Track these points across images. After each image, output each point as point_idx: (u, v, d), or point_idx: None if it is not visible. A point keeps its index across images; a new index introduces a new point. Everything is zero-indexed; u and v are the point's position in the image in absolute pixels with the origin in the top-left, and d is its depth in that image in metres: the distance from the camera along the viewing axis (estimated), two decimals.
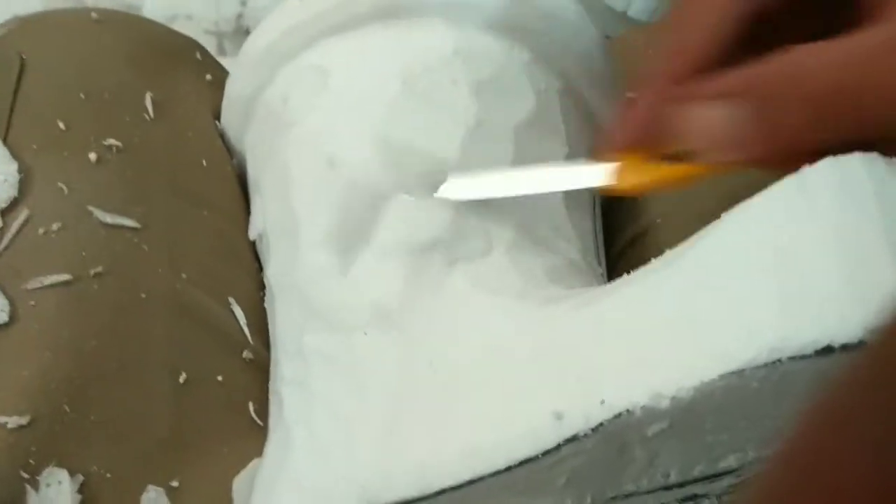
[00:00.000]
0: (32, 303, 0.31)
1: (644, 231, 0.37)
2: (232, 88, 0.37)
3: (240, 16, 0.61)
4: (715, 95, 0.25)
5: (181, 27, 0.44)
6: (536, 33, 0.34)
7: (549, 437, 0.24)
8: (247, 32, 0.60)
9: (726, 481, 0.26)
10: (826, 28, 0.25)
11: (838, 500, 0.15)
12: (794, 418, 0.17)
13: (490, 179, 0.30)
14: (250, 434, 0.33)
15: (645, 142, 0.26)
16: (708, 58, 0.26)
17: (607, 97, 0.37)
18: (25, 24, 0.37)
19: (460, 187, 0.30)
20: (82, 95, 0.35)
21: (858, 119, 0.23)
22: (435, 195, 0.30)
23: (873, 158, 0.24)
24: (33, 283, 0.31)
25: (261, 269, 0.36)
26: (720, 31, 0.26)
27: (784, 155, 0.25)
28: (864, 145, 0.24)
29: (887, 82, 0.23)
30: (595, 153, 0.28)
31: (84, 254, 0.32)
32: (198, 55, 0.40)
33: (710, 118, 0.25)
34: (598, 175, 0.27)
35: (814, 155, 0.25)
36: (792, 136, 0.24)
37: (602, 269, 0.33)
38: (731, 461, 0.25)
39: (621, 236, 0.38)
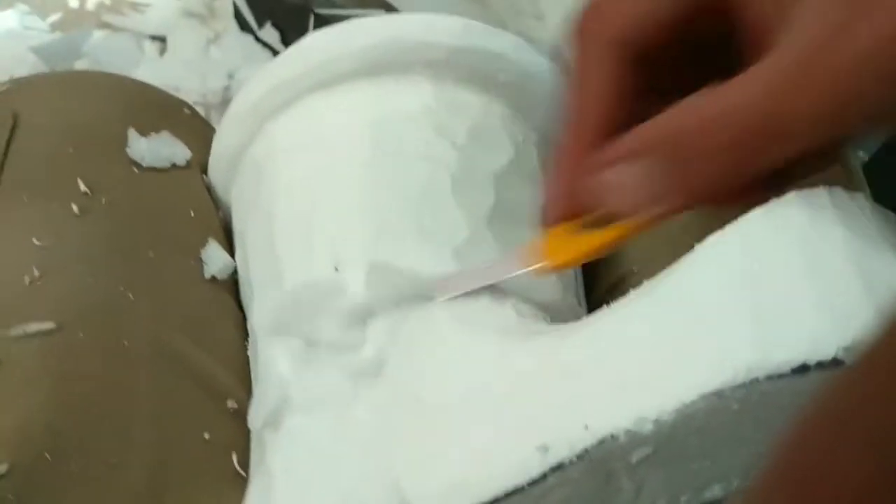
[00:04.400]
0: (15, 350, 0.31)
1: (621, 279, 0.38)
2: (219, 144, 0.38)
3: (227, 88, 0.63)
4: (626, 155, 0.25)
5: None
6: (514, 89, 0.36)
7: (535, 467, 0.24)
8: None
9: None
10: (708, 74, 0.25)
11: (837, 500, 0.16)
12: (791, 425, 0.17)
13: (467, 276, 0.30)
14: (233, 485, 0.32)
15: (571, 214, 0.27)
16: (610, 121, 0.26)
17: None
18: (20, 84, 0.39)
19: (448, 288, 0.30)
20: (71, 149, 0.36)
21: (786, 143, 0.23)
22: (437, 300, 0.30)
23: (837, 191, 0.25)
24: (16, 331, 0.31)
25: (245, 318, 0.36)
26: (612, 94, 0.26)
27: (709, 196, 0.25)
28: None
29: (811, 98, 0.23)
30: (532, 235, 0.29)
31: (69, 302, 0.32)
32: (186, 111, 0.41)
33: (625, 179, 0.25)
34: (533, 257, 0.28)
35: (744, 189, 0.25)
36: (712, 180, 0.24)
37: (583, 310, 0.34)
38: (715, 490, 0.25)
39: (600, 284, 0.39)
